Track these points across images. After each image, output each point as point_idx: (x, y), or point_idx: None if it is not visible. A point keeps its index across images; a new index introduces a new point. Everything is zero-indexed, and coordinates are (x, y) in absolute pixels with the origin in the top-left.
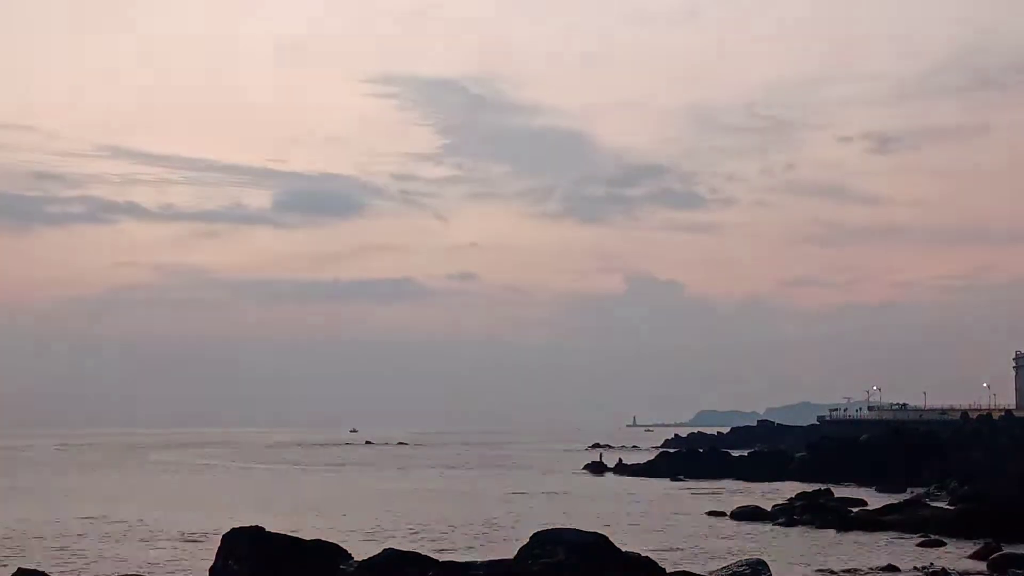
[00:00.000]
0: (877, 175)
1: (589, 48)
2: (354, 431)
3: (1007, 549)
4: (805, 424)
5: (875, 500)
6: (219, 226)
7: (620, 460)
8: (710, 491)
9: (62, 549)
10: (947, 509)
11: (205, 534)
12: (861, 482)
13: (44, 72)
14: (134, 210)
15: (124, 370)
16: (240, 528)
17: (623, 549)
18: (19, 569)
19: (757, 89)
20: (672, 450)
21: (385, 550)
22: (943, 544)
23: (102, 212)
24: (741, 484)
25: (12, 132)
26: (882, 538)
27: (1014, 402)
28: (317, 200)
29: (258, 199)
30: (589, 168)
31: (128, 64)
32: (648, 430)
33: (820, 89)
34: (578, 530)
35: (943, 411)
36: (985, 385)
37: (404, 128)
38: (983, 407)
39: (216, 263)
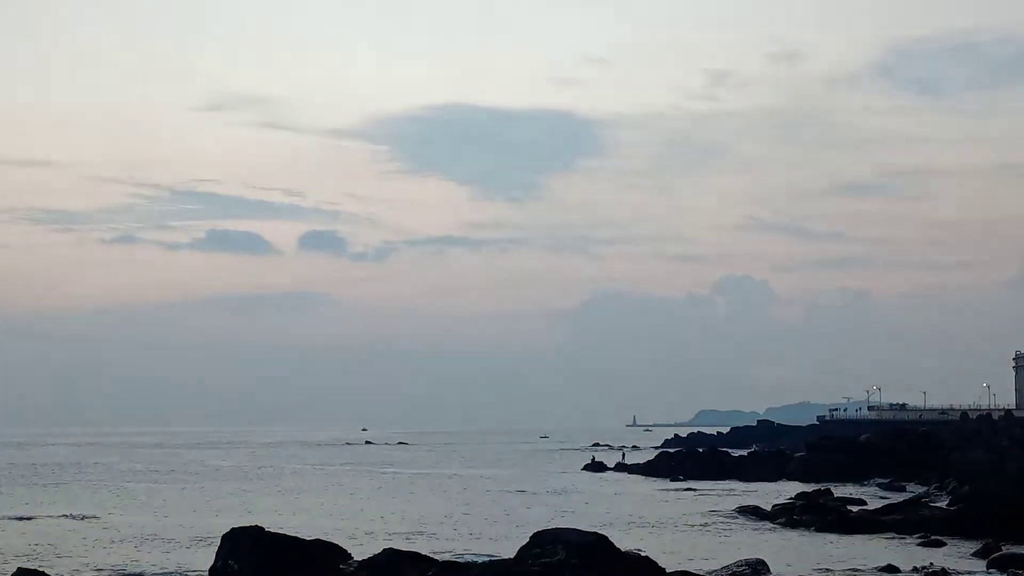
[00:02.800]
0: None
1: None
2: (365, 430)
3: (1007, 549)
4: (805, 424)
5: (875, 500)
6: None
7: (620, 459)
8: (710, 491)
9: (62, 548)
10: (947, 509)
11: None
12: (861, 482)
13: None
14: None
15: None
16: (240, 528)
17: (623, 549)
18: (19, 569)
19: None
20: (672, 450)
21: (385, 550)
22: (943, 544)
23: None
24: (741, 484)
25: None
26: (882, 538)
27: (1014, 402)
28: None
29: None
30: None
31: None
32: (648, 430)
33: None
34: (578, 530)
35: (943, 411)
36: (985, 385)
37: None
38: (983, 407)
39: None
